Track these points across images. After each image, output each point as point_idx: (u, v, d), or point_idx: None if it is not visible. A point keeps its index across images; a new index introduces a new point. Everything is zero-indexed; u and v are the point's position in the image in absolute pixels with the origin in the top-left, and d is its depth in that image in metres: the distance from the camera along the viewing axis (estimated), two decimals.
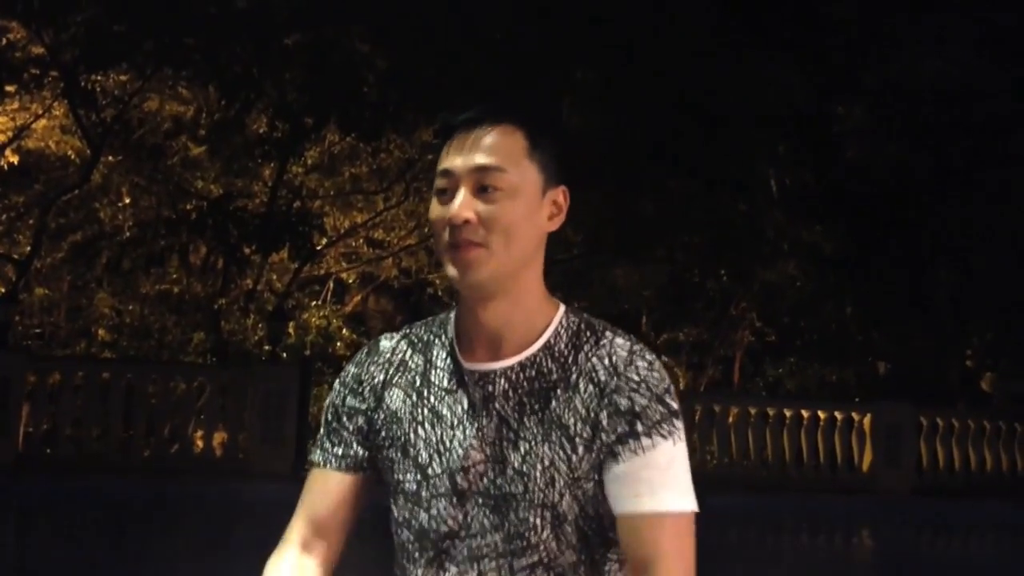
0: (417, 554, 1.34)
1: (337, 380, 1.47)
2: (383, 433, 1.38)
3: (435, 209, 1.32)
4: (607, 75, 13.06)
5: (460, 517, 1.30)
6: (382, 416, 1.39)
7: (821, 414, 12.47)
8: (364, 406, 1.41)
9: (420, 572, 1.33)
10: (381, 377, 1.41)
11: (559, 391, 1.31)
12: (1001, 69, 14.23)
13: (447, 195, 1.31)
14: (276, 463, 10.51)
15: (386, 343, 1.44)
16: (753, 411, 12.28)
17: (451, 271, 1.31)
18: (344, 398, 1.43)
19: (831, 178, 15.07)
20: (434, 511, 1.32)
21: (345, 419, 1.42)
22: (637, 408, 1.30)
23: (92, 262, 14.55)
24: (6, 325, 10.81)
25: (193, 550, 7.84)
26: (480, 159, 1.29)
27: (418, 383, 1.38)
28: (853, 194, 15.02)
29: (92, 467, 9.99)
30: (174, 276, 14.57)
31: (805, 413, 12.42)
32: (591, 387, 1.30)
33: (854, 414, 12.52)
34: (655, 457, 1.30)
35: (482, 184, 1.29)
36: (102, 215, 14.37)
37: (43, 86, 12.95)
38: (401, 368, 1.40)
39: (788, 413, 12.37)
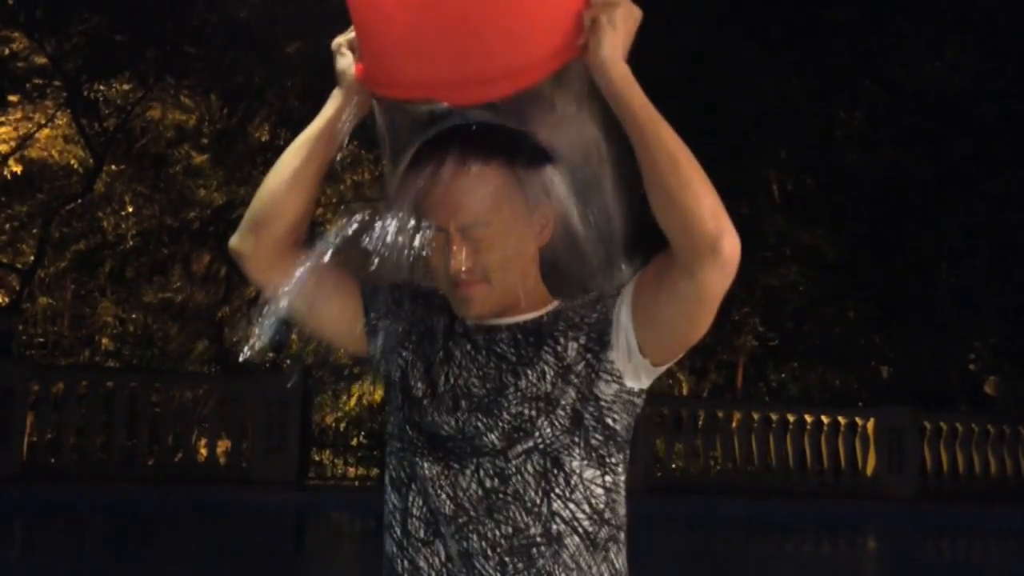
0: (426, 450, 1.40)
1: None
2: (411, 333, 1.47)
3: (432, 256, 1.38)
4: None
5: (459, 425, 1.38)
6: (418, 321, 1.48)
7: (824, 419, 12.45)
8: (407, 303, 1.50)
9: (427, 465, 1.39)
10: (429, 300, 1.50)
11: (553, 337, 1.41)
12: (1001, 72, 14.25)
13: (438, 243, 1.37)
14: (279, 471, 10.50)
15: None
16: (756, 416, 12.27)
17: (455, 305, 1.41)
18: (397, 288, 1.51)
19: (833, 182, 15.08)
20: (436, 418, 1.40)
21: (388, 291, 1.51)
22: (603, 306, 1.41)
23: (95, 271, 14.58)
24: (10, 334, 10.82)
25: (196, 558, 7.85)
26: (466, 216, 1.35)
27: (447, 321, 1.46)
28: (855, 198, 15.02)
29: (96, 476, 10.00)
30: (177, 285, 14.59)
31: (808, 418, 12.41)
32: (573, 328, 1.41)
33: (857, 418, 12.51)
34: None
35: (472, 235, 1.35)
36: (105, 224, 14.40)
37: (46, 96, 13.00)
38: (441, 308, 1.48)
39: (791, 418, 12.36)
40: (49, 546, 8.21)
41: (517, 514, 1.35)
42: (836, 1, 14.24)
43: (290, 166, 1.43)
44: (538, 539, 1.35)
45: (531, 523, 1.34)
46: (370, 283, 1.49)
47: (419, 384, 1.43)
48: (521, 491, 1.35)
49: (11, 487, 9.39)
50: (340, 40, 1.44)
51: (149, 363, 13.94)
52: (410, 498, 1.40)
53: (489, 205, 1.35)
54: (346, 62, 1.43)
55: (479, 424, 1.37)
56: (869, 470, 12.32)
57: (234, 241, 1.46)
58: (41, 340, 14.76)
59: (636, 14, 1.33)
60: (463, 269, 1.35)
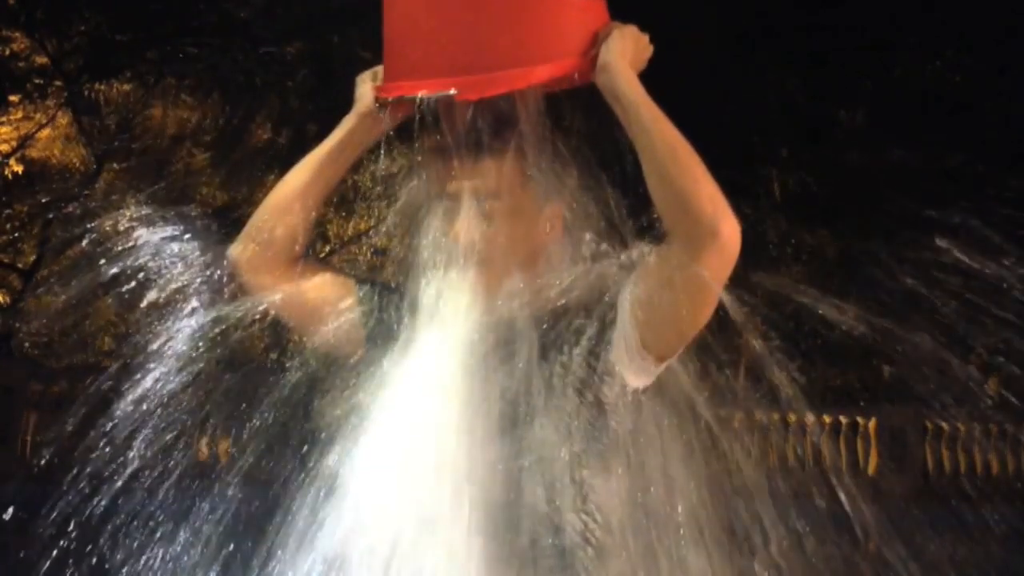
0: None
1: None
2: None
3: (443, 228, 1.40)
4: None
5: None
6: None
7: (826, 419, 12.43)
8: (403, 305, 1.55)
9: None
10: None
11: (555, 343, 1.42)
12: (1001, 72, 14.23)
13: (449, 215, 1.39)
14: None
15: None
16: (758, 417, 12.24)
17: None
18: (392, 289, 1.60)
19: (834, 181, 15.07)
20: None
21: (385, 293, 1.58)
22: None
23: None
24: (10, 334, 10.81)
25: (200, 559, 7.84)
26: (479, 186, 1.37)
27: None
28: (856, 197, 15.00)
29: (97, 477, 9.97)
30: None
31: (810, 418, 12.39)
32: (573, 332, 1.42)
33: (859, 418, 12.49)
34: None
35: (484, 207, 1.37)
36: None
37: (47, 95, 12.99)
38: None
39: (792, 418, 12.33)
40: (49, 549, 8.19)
41: (528, 524, 1.34)
42: (838, 1, 14.25)
43: (297, 183, 1.45)
44: (549, 548, 1.34)
45: (542, 532, 1.34)
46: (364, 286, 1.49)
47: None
48: (531, 501, 1.34)
49: (12, 488, 9.37)
50: (366, 73, 1.50)
51: None
52: None
53: (503, 184, 1.37)
54: (365, 88, 1.48)
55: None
56: (871, 470, 12.30)
57: (234, 250, 1.46)
58: (45, 340, 14.74)
59: (647, 41, 1.40)
60: (473, 238, 1.36)
